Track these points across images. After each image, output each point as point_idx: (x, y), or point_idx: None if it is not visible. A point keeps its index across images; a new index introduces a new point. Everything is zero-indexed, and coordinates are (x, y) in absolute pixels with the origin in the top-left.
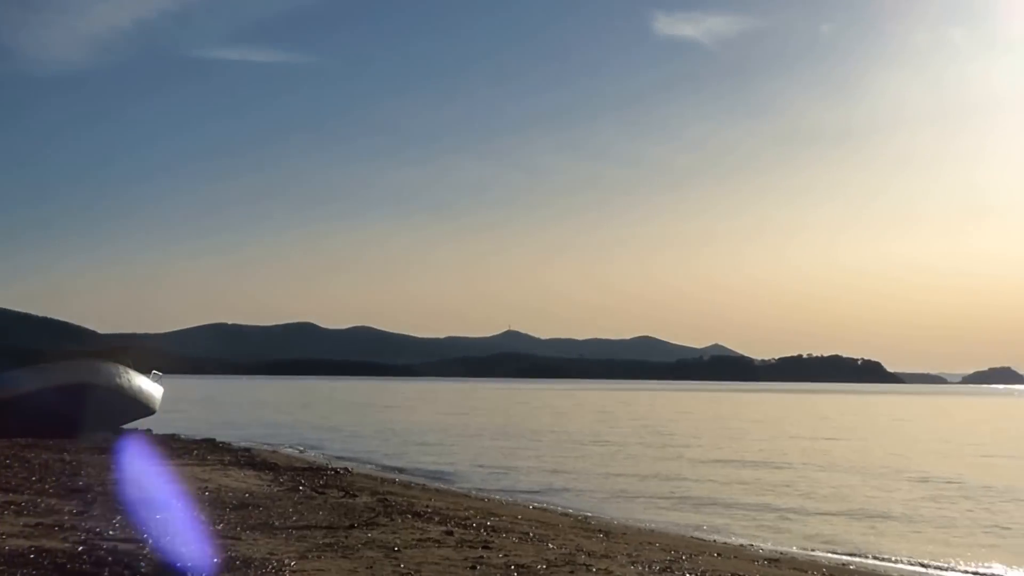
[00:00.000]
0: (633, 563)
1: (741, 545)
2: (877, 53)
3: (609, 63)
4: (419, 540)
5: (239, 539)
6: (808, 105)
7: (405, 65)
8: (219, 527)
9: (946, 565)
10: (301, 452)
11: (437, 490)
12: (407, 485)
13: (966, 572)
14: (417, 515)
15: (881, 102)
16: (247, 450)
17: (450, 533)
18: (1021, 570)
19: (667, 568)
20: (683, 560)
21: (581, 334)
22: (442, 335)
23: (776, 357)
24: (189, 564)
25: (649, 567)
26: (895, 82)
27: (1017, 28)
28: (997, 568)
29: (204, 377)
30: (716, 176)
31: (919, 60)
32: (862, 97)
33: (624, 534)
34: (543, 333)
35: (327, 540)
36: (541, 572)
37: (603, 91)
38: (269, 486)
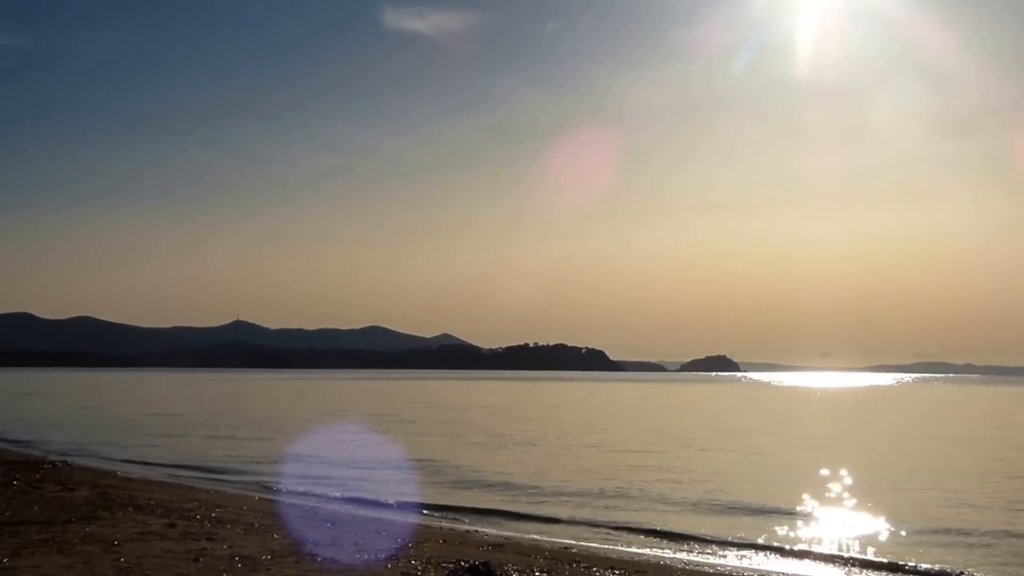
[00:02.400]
0: (360, 551)
1: (467, 531)
2: (600, 51)
3: (340, 56)
4: (140, 533)
5: None
6: (530, 100)
7: (126, 51)
8: None
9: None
10: (16, 446)
11: (161, 483)
12: (129, 478)
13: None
14: (139, 508)
15: (605, 99)
16: None
17: (173, 525)
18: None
19: (393, 555)
20: (410, 548)
21: (311, 324)
22: (168, 325)
23: (503, 346)
24: None
25: (375, 555)
26: (618, 80)
27: (731, 34)
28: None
29: None
30: (445, 168)
31: (641, 59)
32: (584, 93)
33: (351, 523)
34: (272, 323)
35: (42, 536)
36: (266, 563)
37: (334, 84)
38: None
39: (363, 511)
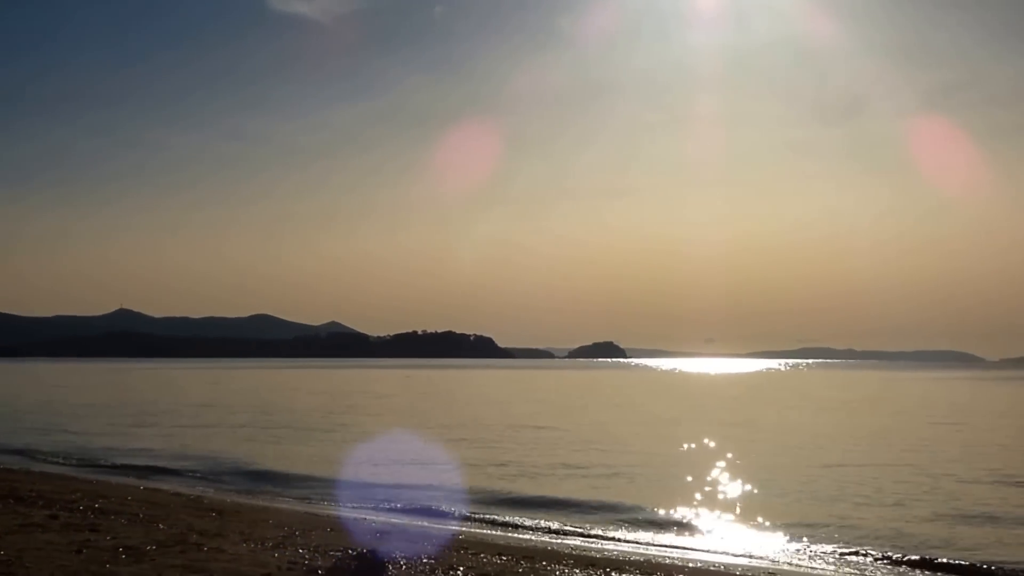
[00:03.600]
0: (246, 540)
1: (355, 518)
2: (489, 36)
3: (228, 40)
4: (21, 525)
5: None
6: (420, 86)
7: (8, 38)
8: None
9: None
10: None
11: (42, 474)
12: (10, 469)
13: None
14: (20, 500)
15: (493, 84)
16: None
17: (55, 517)
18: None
19: (280, 544)
20: (297, 536)
21: (197, 312)
22: (49, 314)
23: (391, 334)
24: None
25: (262, 544)
26: (507, 65)
27: (616, 21)
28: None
29: None
30: (330, 155)
31: (529, 45)
32: (473, 79)
33: (238, 512)
34: (157, 311)
35: None
36: (151, 553)
37: (221, 69)
38: None
39: (249, 500)
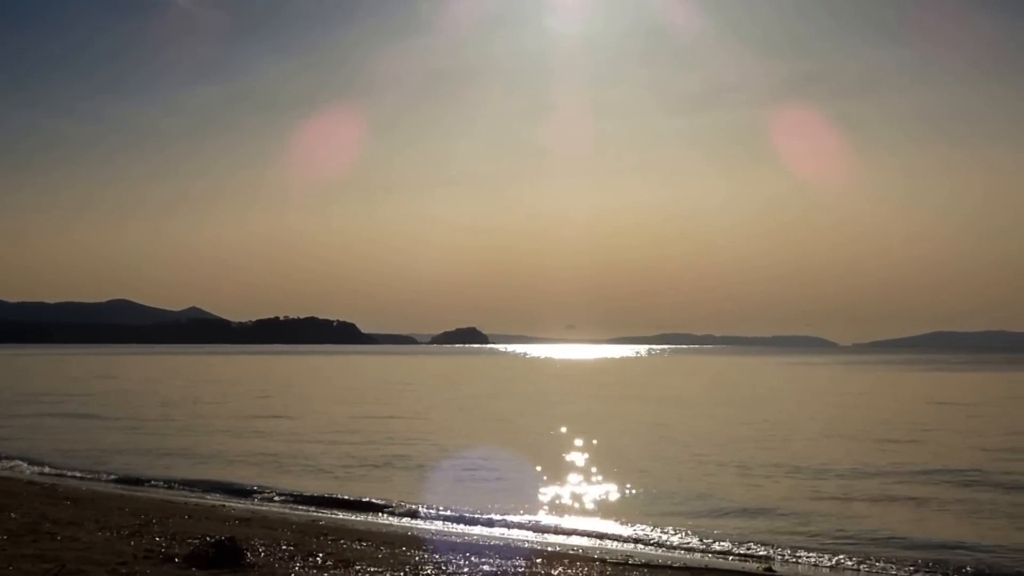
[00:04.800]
0: (101, 529)
1: (213, 506)
2: (348, 20)
3: (83, 21)
4: None
5: None
6: (277, 69)
7: None
8: None
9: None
10: None
11: None
12: None
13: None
14: None
15: (352, 69)
16: None
17: None
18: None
19: (136, 532)
20: (153, 524)
21: (52, 297)
22: None
23: (253, 319)
24: None
25: (118, 532)
26: (366, 50)
27: (479, 7)
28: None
29: None
30: (188, 138)
31: (389, 29)
32: (332, 63)
33: (93, 500)
34: (10, 296)
35: None
36: (2, 543)
37: (78, 50)
38: None
39: (105, 488)
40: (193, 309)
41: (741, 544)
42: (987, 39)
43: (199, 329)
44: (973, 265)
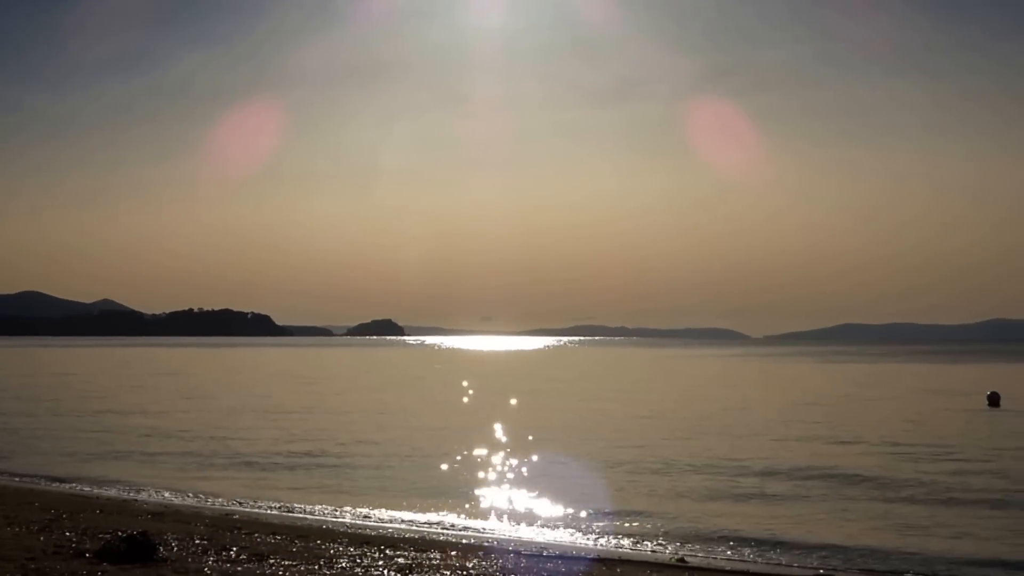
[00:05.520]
0: (10, 524)
1: (125, 500)
2: (266, 12)
3: None
4: None
5: None
6: (194, 60)
7: None
8: None
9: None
10: None
11: None
12: None
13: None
14: None
15: (271, 61)
16: None
17: None
18: None
19: (46, 527)
20: (64, 519)
21: None
22: None
23: (167, 311)
24: None
25: (27, 527)
26: (284, 42)
27: (402, 0)
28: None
29: None
30: (102, 129)
31: (307, 22)
32: (250, 55)
33: (2, 495)
34: None
35: None
36: None
37: None
38: None
39: (14, 483)
40: (106, 301)
41: (651, 537)
42: (890, 36)
43: (112, 321)
44: (878, 259)
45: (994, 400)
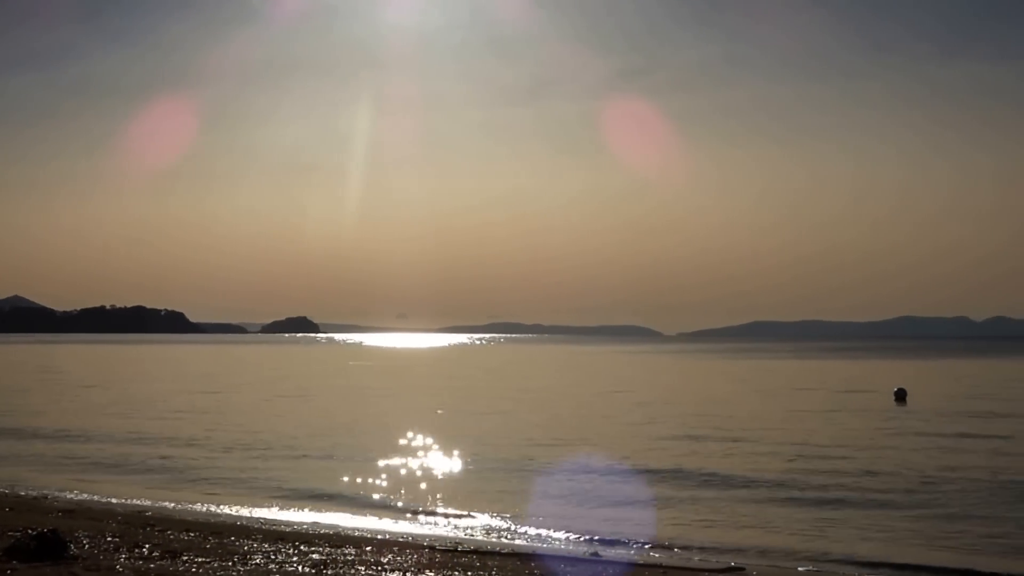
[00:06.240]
0: None
1: (36, 498)
2: (179, 8)
3: None
4: None
5: None
6: (108, 56)
7: None
8: None
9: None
10: None
11: None
12: None
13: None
14: None
15: (184, 57)
16: None
17: None
18: None
19: None
20: None
21: None
22: None
23: (78, 308)
24: None
25: None
26: (198, 38)
27: None
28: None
29: None
30: (11, 124)
31: (223, 18)
32: (163, 51)
33: None
34: None
35: None
36: None
37: None
38: None
39: None
40: (15, 297)
41: (567, 531)
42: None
43: (21, 317)
44: (791, 258)
45: (901, 396)
